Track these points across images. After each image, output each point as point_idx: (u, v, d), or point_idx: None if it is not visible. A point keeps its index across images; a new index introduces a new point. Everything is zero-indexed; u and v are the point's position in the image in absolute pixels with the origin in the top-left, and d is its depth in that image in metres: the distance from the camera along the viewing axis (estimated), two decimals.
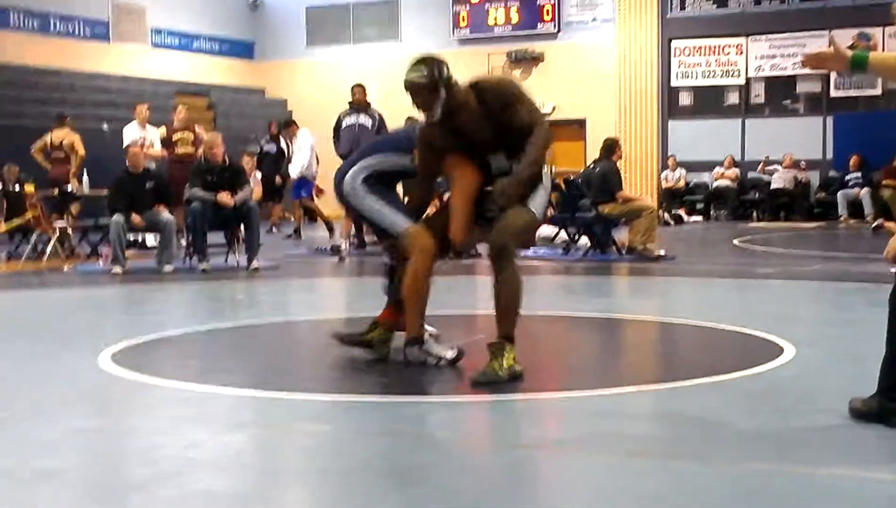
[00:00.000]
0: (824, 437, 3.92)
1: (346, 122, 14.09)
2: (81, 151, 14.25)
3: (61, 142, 14.19)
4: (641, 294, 9.53)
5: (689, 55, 21.71)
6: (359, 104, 14.22)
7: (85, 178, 13.68)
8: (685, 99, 21.93)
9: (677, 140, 21.82)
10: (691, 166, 21.35)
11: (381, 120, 14.40)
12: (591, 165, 12.71)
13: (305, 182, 16.21)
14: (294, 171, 16.10)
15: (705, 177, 21.21)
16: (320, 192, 17.32)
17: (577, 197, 12.24)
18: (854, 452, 3.71)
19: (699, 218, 20.57)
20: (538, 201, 5.15)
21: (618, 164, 12.13)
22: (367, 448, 3.90)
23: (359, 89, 14.16)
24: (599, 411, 4.42)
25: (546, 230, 12.70)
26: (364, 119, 14.10)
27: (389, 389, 5.04)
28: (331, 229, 15.46)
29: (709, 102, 21.67)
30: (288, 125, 16.61)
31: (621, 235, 12.30)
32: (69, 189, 13.04)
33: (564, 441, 4.01)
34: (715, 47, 21.49)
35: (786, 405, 4.47)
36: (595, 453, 3.75)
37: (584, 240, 12.32)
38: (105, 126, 16.66)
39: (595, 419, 4.30)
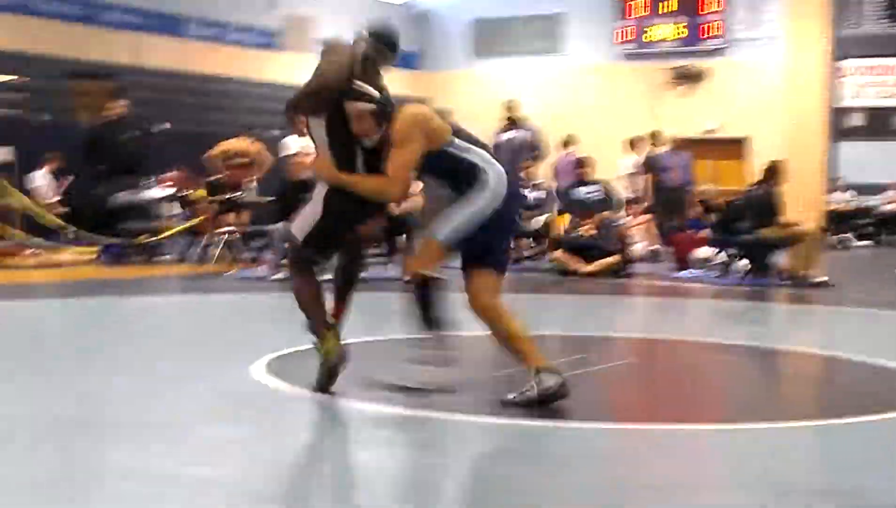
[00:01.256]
0: None
1: (504, 136, 14.40)
2: (270, 159, 14.27)
3: (246, 149, 14.23)
4: (795, 324, 9.34)
5: (861, 74, 21.08)
6: (514, 119, 14.57)
7: (254, 184, 14.11)
8: (856, 120, 21.29)
9: (846, 162, 21.20)
10: (861, 189, 20.72)
11: (536, 133, 14.69)
12: (752, 188, 12.49)
13: None
14: None
15: (874, 200, 20.53)
16: None
17: (735, 219, 12.07)
18: None
19: (868, 242, 19.92)
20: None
21: (780, 188, 11.90)
22: (490, 471, 3.92)
23: (513, 104, 14.52)
24: (738, 447, 4.39)
25: (703, 252, 12.57)
26: (521, 133, 14.37)
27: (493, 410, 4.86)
28: None
29: (881, 123, 20.99)
30: None
31: (782, 259, 12.04)
32: (242, 195, 13.39)
33: (698, 480, 4.01)
34: (890, 67, 20.82)
35: None
36: (735, 493, 3.74)
37: (742, 263, 12.11)
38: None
39: (733, 455, 4.27)
